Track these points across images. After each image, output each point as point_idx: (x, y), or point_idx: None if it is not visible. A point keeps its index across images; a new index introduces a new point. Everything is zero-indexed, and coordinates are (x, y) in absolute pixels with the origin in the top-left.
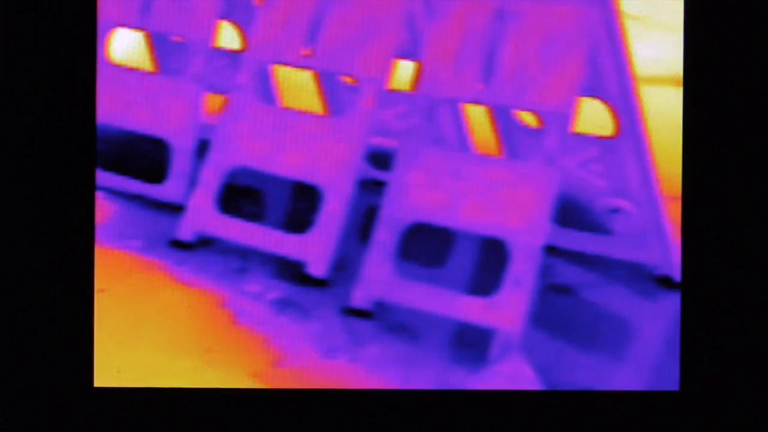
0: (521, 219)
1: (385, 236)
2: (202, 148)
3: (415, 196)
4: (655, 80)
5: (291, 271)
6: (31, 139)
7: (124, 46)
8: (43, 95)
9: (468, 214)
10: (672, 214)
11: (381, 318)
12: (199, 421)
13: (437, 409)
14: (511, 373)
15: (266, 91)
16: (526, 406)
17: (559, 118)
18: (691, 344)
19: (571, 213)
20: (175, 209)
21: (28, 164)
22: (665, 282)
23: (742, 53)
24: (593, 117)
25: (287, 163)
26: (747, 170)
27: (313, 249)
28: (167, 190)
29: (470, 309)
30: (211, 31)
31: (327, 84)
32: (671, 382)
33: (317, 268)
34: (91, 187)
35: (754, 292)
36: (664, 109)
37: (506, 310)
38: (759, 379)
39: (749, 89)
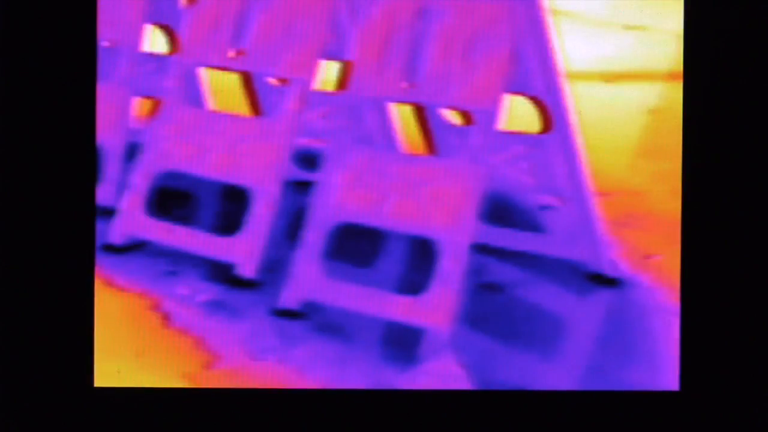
0: (448, 217)
1: (313, 237)
2: (133, 152)
3: (343, 197)
4: (585, 76)
5: (221, 273)
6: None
7: None
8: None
9: (396, 213)
10: (602, 209)
11: (311, 318)
12: (200, 421)
13: (370, 408)
14: (440, 371)
15: (195, 93)
16: (526, 406)
17: (485, 115)
18: (691, 344)
19: (501, 211)
20: (107, 213)
21: (23, 164)
22: (597, 278)
23: (742, 52)
24: (521, 114)
25: (216, 165)
26: (747, 169)
27: (243, 250)
28: (99, 195)
29: (399, 308)
30: (138, 35)
31: (254, 86)
32: (607, 382)
33: (247, 269)
34: (91, 187)
35: (755, 292)
36: (593, 105)
37: (435, 309)
38: (759, 379)
39: (750, 88)
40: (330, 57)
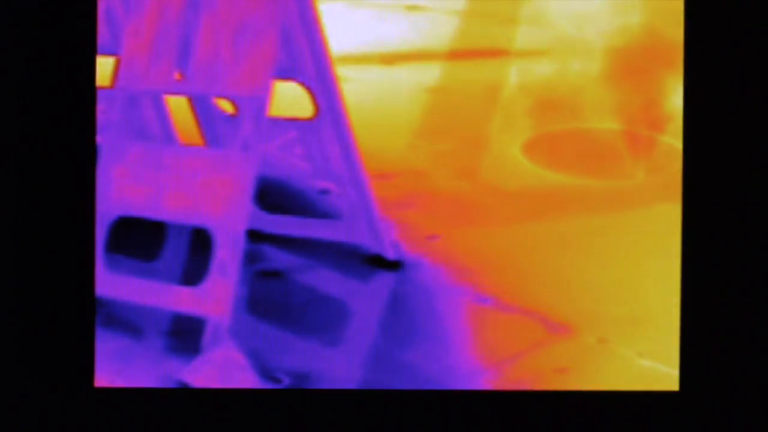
0: (222, 206)
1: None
2: None
3: (121, 191)
4: (364, 59)
5: None
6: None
7: None
8: None
9: (173, 205)
10: (383, 191)
11: (98, 314)
12: (200, 421)
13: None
14: (222, 360)
15: None
16: (523, 407)
17: (254, 102)
18: (691, 345)
19: (279, 198)
20: None
21: (28, 161)
22: (378, 261)
23: (744, 51)
24: (292, 100)
25: None
26: (748, 169)
27: None
28: None
29: (181, 299)
30: None
31: None
32: (394, 364)
33: None
34: (91, 187)
35: (755, 292)
36: (372, 88)
37: (213, 298)
38: (759, 379)
39: (751, 87)
40: (107, 53)
